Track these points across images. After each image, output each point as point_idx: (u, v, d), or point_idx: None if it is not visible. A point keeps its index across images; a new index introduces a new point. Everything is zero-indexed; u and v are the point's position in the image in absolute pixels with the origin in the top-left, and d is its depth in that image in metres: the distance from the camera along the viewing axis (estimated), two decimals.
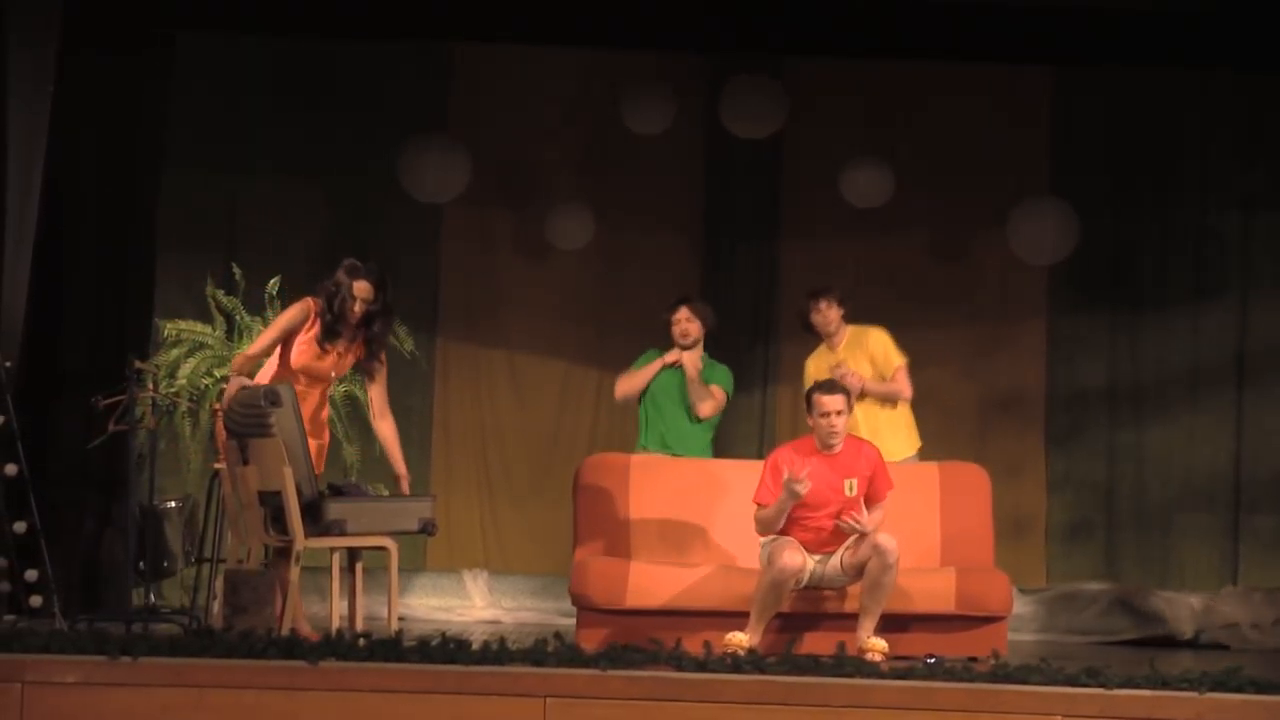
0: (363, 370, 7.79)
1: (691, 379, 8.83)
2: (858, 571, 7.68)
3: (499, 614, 10.14)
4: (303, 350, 7.66)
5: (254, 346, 7.68)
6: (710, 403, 8.86)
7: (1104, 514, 10.77)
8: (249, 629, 6.97)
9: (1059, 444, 10.83)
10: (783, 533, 7.75)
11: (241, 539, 7.70)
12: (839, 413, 7.73)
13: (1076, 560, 10.71)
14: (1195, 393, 10.75)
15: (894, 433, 8.82)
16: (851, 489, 7.76)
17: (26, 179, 8.81)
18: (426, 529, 7.58)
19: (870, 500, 7.81)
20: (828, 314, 8.93)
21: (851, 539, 7.70)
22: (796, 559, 7.58)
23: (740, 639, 7.48)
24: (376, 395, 7.79)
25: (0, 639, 6.68)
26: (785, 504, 7.64)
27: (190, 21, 10.08)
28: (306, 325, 7.63)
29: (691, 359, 8.87)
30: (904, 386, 8.83)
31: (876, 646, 7.49)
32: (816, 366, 8.92)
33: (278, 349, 7.69)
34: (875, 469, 7.85)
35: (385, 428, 7.78)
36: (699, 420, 8.88)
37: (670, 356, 8.90)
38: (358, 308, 7.59)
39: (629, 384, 8.98)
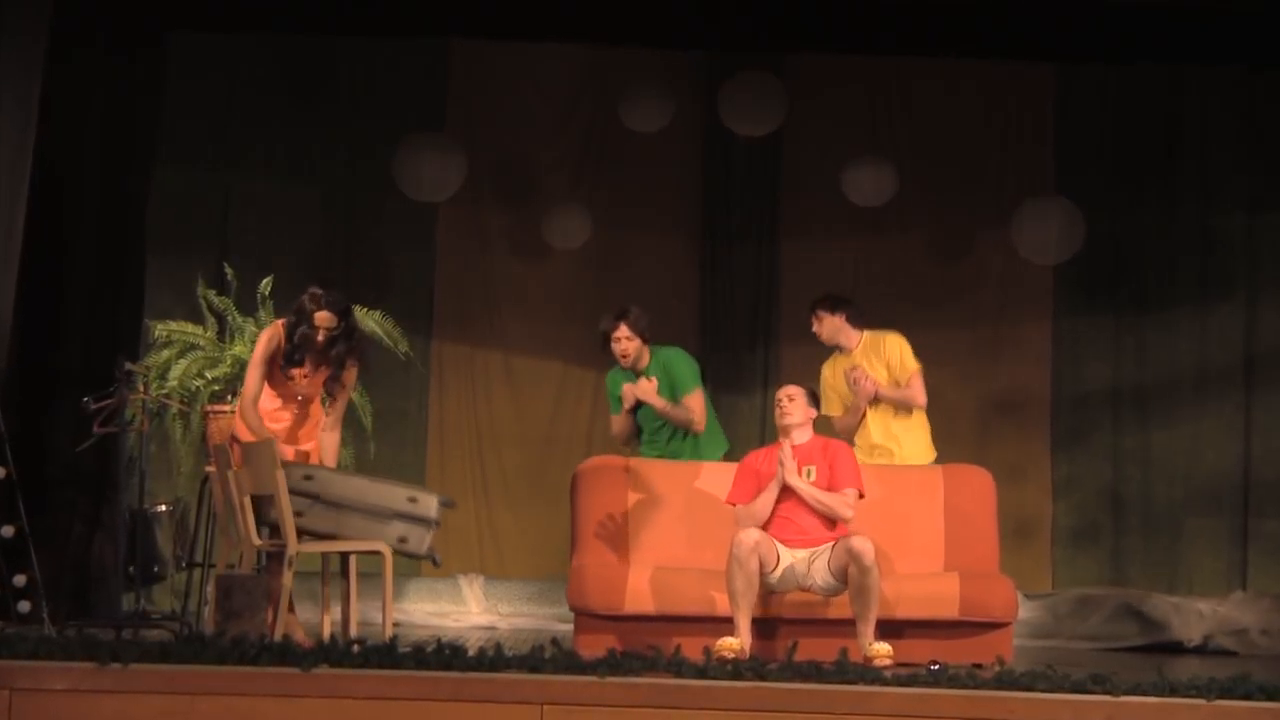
0: (327, 390, 7.97)
1: (664, 411, 8.52)
2: (844, 578, 7.62)
3: (495, 619, 10.09)
4: (273, 373, 7.88)
5: (248, 389, 7.83)
6: (696, 414, 8.56)
7: (1110, 518, 10.71)
8: (241, 634, 6.88)
9: (1064, 447, 10.77)
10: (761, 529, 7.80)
11: (233, 543, 7.63)
12: (790, 398, 7.97)
13: (1082, 565, 10.66)
14: (1202, 395, 10.70)
15: (910, 440, 8.72)
16: (810, 475, 7.80)
17: (15, 179, 8.72)
18: (432, 558, 7.67)
19: (829, 488, 7.79)
20: (820, 328, 8.77)
21: (828, 549, 7.67)
22: (752, 534, 7.58)
23: (731, 643, 7.41)
24: (334, 410, 7.99)
25: None
26: (769, 495, 7.75)
27: (183, 20, 10.01)
28: (281, 350, 7.83)
29: (648, 392, 8.49)
30: (918, 393, 8.73)
31: (881, 652, 7.40)
32: (833, 372, 8.80)
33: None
34: (836, 459, 7.86)
35: (330, 439, 7.99)
36: (697, 434, 8.66)
37: (628, 402, 8.55)
38: (320, 336, 7.79)
39: (618, 429, 8.74)
